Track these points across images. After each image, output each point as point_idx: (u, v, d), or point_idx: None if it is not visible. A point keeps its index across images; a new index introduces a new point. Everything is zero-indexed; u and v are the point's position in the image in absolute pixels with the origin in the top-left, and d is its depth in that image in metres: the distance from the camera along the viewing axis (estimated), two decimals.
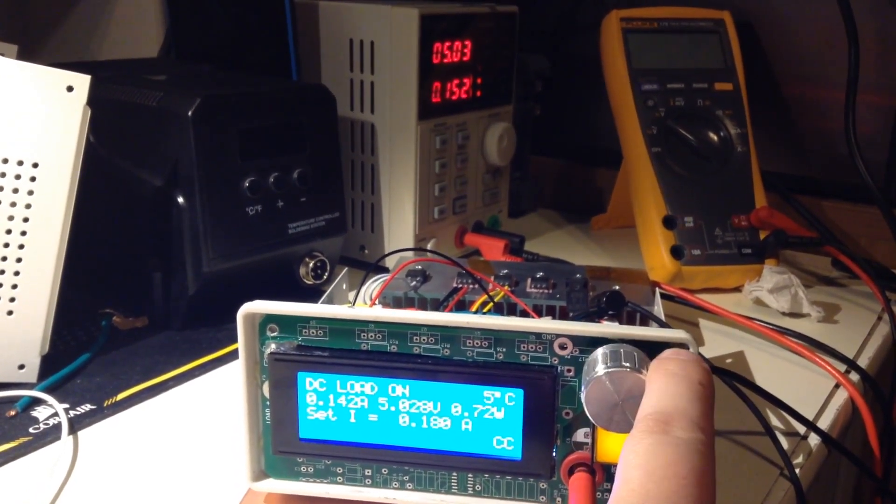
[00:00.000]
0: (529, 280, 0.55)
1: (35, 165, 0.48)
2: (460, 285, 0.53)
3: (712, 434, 0.29)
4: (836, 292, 0.71)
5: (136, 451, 0.45)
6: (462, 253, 0.76)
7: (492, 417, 0.36)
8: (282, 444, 0.38)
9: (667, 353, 0.33)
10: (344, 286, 0.54)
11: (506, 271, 0.56)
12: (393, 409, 0.37)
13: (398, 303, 0.54)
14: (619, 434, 0.35)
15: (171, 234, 0.57)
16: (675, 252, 0.69)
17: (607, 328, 0.35)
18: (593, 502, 0.35)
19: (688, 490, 0.26)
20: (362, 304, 0.53)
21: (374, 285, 0.54)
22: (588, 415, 0.34)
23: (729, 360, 0.58)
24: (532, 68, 0.86)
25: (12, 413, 0.48)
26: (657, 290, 0.55)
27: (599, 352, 0.35)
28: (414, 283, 0.54)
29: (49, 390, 0.50)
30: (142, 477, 0.43)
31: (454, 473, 0.38)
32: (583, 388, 0.34)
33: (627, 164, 0.75)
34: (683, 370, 0.31)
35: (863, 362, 0.58)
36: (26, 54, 0.51)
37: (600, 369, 0.33)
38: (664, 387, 0.31)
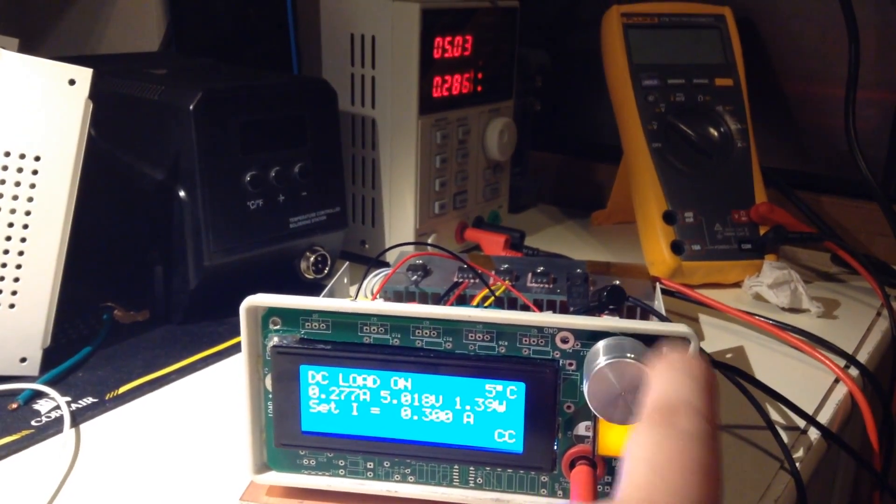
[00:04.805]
0: (530, 275, 0.55)
1: (37, 159, 0.49)
2: (461, 280, 0.53)
3: (717, 425, 0.29)
4: (835, 288, 0.71)
5: (138, 444, 0.45)
6: (462, 248, 0.76)
7: (493, 411, 0.37)
8: (284, 436, 0.38)
9: (668, 351, 0.33)
10: (345, 280, 0.54)
11: (506, 266, 0.56)
12: (395, 402, 0.37)
13: (399, 297, 0.54)
14: (620, 427, 0.36)
15: (172, 227, 0.57)
16: (676, 247, 0.69)
17: (609, 322, 0.35)
18: (594, 495, 0.35)
19: (693, 483, 0.26)
20: (364, 299, 0.54)
21: (375, 280, 0.55)
22: (590, 406, 0.34)
23: (729, 355, 0.58)
24: (532, 63, 0.86)
25: (14, 406, 0.48)
26: (657, 285, 0.55)
27: (601, 344, 0.35)
28: (415, 277, 0.54)
29: (51, 383, 0.50)
30: (144, 470, 0.43)
31: (455, 466, 0.38)
32: (585, 380, 0.35)
33: (628, 160, 0.75)
34: (686, 364, 0.32)
35: (862, 357, 0.58)
36: (27, 48, 0.51)
37: (602, 360, 0.34)
38: (668, 379, 0.31)
